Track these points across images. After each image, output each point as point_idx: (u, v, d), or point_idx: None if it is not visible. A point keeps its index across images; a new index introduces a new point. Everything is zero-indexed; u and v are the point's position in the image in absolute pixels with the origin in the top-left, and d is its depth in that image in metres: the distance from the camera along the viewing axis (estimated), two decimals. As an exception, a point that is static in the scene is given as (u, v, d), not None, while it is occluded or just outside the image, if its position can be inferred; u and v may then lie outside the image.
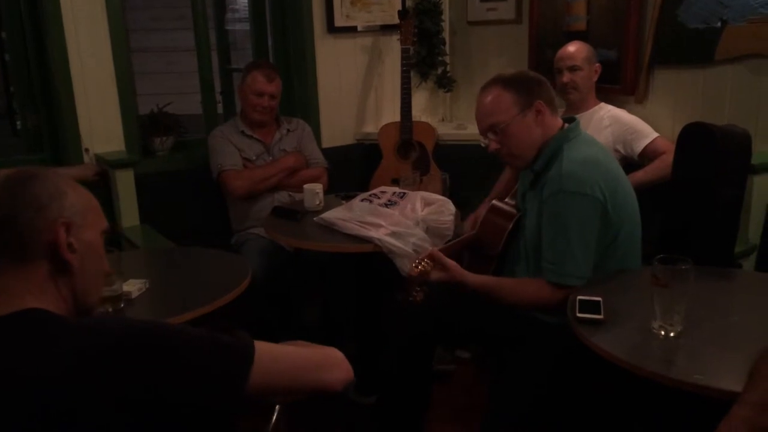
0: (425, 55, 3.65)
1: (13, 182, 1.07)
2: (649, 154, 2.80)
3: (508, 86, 1.95)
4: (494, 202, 2.24)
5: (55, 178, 1.10)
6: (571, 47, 2.94)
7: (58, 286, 1.07)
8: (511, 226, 2.10)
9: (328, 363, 1.14)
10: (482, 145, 2.03)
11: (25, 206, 1.04)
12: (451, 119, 3.88)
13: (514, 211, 2.14)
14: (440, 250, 2.01)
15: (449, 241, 2.32)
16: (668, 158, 2.56)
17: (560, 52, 2.95)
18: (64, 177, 1.13)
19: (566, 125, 1.98)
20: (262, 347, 1.06)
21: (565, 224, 1.84)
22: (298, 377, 1.10)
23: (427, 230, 2.35)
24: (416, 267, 1.87)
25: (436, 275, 1.91)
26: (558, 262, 1.85)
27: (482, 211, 2.43)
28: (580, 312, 1.61)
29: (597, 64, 2.95)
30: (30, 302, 1.03)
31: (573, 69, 2.89)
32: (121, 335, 0.99)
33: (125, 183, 2.93)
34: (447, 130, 3.64)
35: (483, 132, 2.01)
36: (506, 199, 2.23)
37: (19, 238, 1.04)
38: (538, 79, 2.00)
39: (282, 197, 2.99)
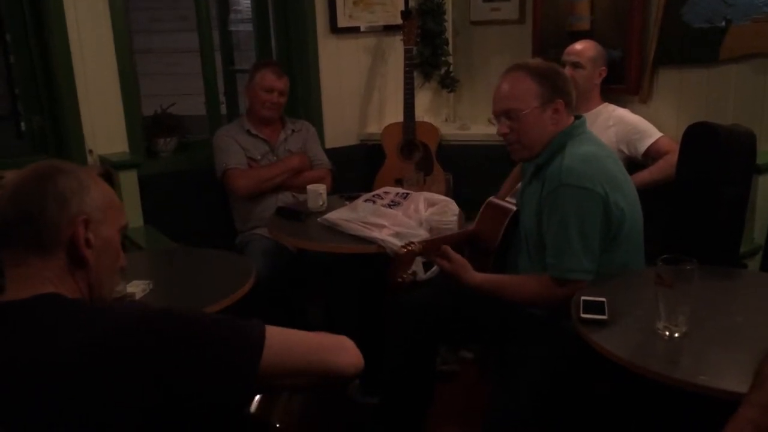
0: (428, 56, 3.64)
1: (40, 176, 1.09)
2: (653, 154, 2.79)
3: (536, 76, 1.93)
4: (491, 198, 2.24)
5: (80, 172, 1.13)
6: (580, 45, 2.95)
7: (75, 278, 1.10)
8: (507, 221, 2.10)
9: (338, 347, 1.14)
10: (491, 122, 2.03)
11: (49, 201, 1.07)
12: (455, 119, 3.87)
13: (510, 206, 2.14)
14: (430, 240, 2.03)
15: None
16: (672, 158, 2.55)
17: (569, 47, 2.98)
18: (89, 171, 1.15)
19: (575, 122, 1.98)
20: (272, 328, 1.08)
21: (565, 218, 1.83)
22: (308, 358, 1.10)
23: (431, 231, 2.35)
24: (404, 247, 1.88)
25: (441, 264, 1.91)
26: (559, 257, 1.85)
27: None
28: (584, 312, 1.61)
29: (603, 68, 2.94)
30: (50, 289, 1.05)
31: (575, 66, 2.90)
32: (133, 319, 1.01)
33: (129, 184, 2.93)
34: (450, 130, 3.64)
35: (497, 113, 1.99)
36: (507, 198, 2.23)
37: (42, 231, 1.06)
38: (565, 77, 2.00)
39: (286, 198, 2.99)
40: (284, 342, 1.08)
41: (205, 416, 1.01)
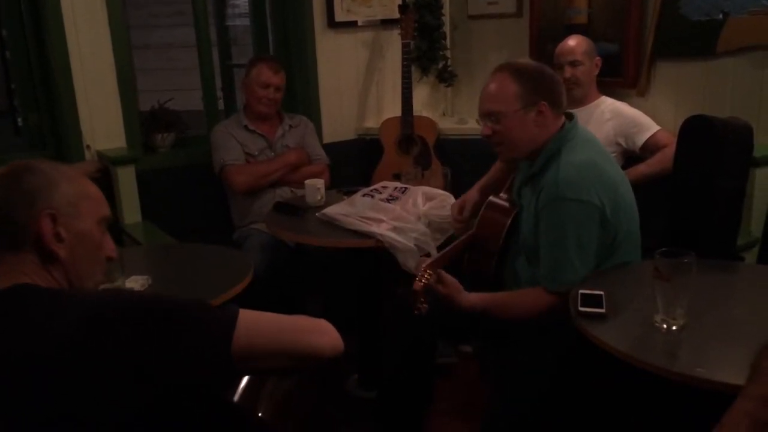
0: (426, 50, 3.63)
1: (8, 176, 1.11)
2: (650, 148, 2.79)
3: (518, 78, 1.90)
4: (491, 198, 2.23)
5: (49, 169, 1.13)
6: (571, 41, 2.92)
7: (51, 272, 1.11)
8: (509, 222, 2.10)
9: (315, 328, 1.14)
10: (478, 123, 2.01)
11: (16, 199, 1.08)
12: (452, 113, 3.87)
13: (511, 208, 2.13)
14: (437, 260, 2.00)
15: (450, 238, 2.32)
16: (670, 151, 2.55)
17: (560, 47, 2.93)
18: (60, 168, 1.16)
19: (566, 122, 1.96)
20: (247, 311, 1.08)
21: (563, 232, 1.82)
22: (284, 338, 1.10)
23: (429, 225, 2.35)
24: (419, 281, 1.85)
25: (436, 288, 1.89)
26: (556, 270, 1.85)
27: (470, 196, 2.41)
28: (582, 306, 1.61)
29: (597, 58, 2.93)
30: (25, 281, 1.06)
31: (574, 64, 2.87)
32: (106, 309, 1.01)
33: (127, 179, 2.94)
34: (448, 125, 3.64)
35: (481, 114, 1.98)
36: (501, 194, 2.22)
37: (10, 229, 1.08)
38: (552, 79, 1.95)
39: (284, 193, 2.99)
40: (258, 323, 1.09)
41: (186, 403, 1.01)
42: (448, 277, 1.91)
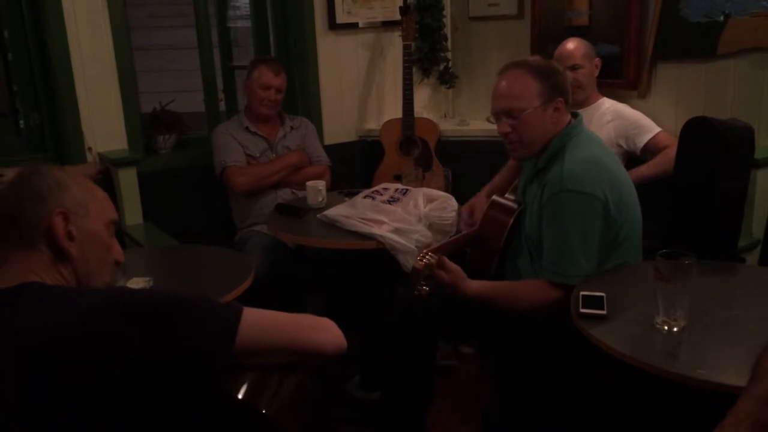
0: (427, 51, 3.64)
1: (18, 179, 1.13)
2: (651, 149, 2.79)
3: (537, 74, 1.91)
4: (494, 197, 2.23)
5: (57, 172, 1.16)
6: (570, 45, 2.90)
7: (61, 271, 1.13)
8: (512, 221, 2.10)
9: (317, 326, 1.16)
10: (489, 121, 2.01)
11: (27, 200, 1.11)
12: (453, 115, 3.87)
13: (514, 205, 2.14)
14: (439, 248, 2.01)
15: (452, 237, 2.32)
16: (671, 153, 2.56)
17: (558, 52, 2.91)
18: (69, 172, 1.19)
19: (572, 120, 1.98)
20: (251, 309, 1.10)
21: (566, 223, 1.83)
22: (287, 334, 1.12)
23: (430, 226, 2.35)
24: (421, 260, 1.85)
25: (439, 274, 1.89)
26: (559, 262, 1.85)
27: (479, 200, 2.41)
28: (583, 307, 1.61)
29: (596, 59, 2.93)
30: (33, 279, 1.08)
31: (575, 68, 2.84)
32: (107, 301, 1.03)
33: (128, 181, 2.94)
34: (449, 126, 3.64)
35: (497, 113, 1.97)
36: (506, 195, 2.23)
37: (23, 229, 1.10)
38: (564, 75, 1.99)
39: (285, 194, 3.00)
40: (262, 319, 1.11)
41: (189, 398, 1.02)
42: (452, 264, 1.92)
